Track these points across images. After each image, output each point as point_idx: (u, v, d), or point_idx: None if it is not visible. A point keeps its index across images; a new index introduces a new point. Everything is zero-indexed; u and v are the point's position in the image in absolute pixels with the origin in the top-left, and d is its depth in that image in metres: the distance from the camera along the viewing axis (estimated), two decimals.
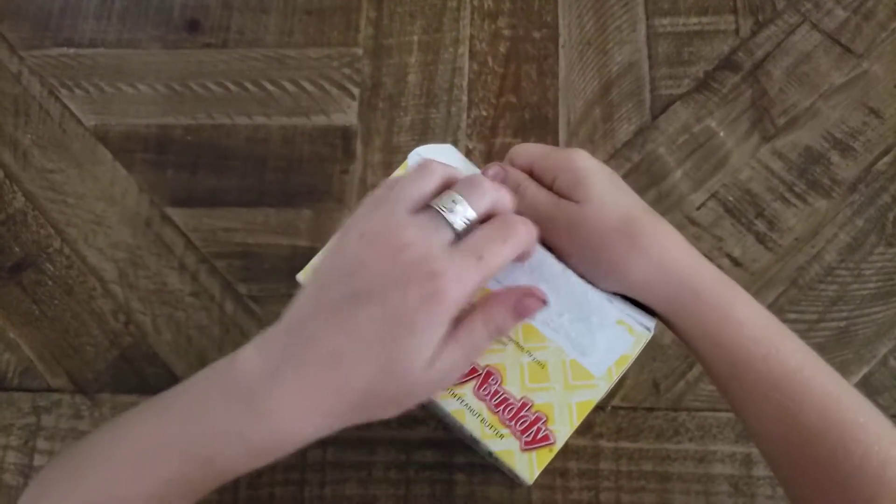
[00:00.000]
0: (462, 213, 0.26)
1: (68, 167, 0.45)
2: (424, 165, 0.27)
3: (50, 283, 0.43)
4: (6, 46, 0.47)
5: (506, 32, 0.46)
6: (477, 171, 0.31)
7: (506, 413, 0.29)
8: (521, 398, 0.29)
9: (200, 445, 0.25)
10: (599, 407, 0.30)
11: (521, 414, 0.29)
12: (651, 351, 0.39)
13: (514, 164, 0.32)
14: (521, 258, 0.29)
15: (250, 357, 0.25)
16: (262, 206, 0.43)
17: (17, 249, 0.43)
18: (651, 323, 0.29)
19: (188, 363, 0.41)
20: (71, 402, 0.40)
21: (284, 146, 0.44)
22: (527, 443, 0.29)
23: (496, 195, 0.27)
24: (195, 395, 0.26)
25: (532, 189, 0.30)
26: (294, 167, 0.44)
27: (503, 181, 0.31)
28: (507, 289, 0.28)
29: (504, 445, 0.29)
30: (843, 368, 0.39)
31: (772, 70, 0.44)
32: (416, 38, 0.46)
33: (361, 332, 0.24)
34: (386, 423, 0.39)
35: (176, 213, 0.43)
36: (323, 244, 0.42)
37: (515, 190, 0.30)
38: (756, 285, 0.40)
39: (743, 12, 0.45)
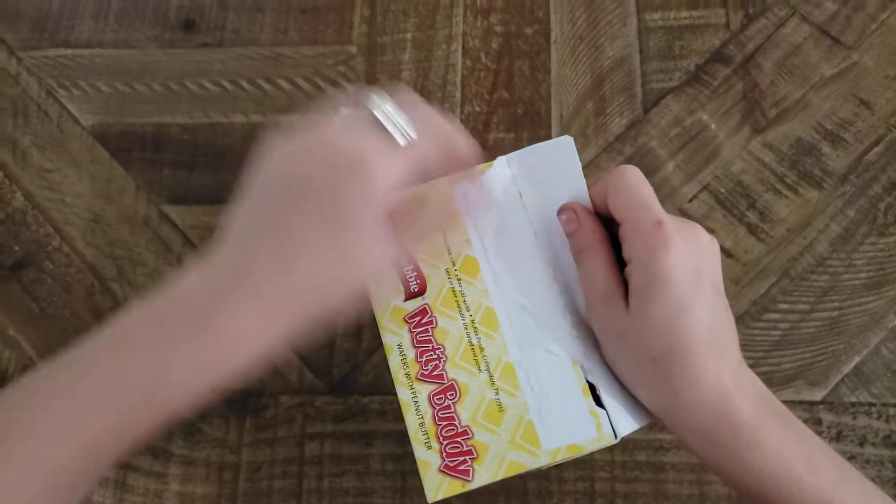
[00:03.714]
0: (401, 124, 0.25)
1: (66, 166, 0.45)
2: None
3: (49, 281, 0.43)
4: (4, 48, 0.48)
5: (498, 29, 0.46)
6: (581, 175, 0.30)
7: (444, 430, 0.29)
8: (466, 426, 0.29)
9: (140, 384, 0.23)
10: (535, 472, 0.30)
11: (457, 440, 0.29)
12: None
13: (607, 199, 0.28)
14: (469, 176, 0.29)
15: (193, 282, 0.24)
16: None
17: (16, 248, 0.44)
18: (625, 430, 0.28)
19: None
20: None
21: None
22: (447, 466, 0.28)
23: (445, 131, 0.27)
24: (129, 333, 0.24)
25: (595, 261, 0.28)
26: None
27: (573, 232, 0.29)
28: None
29: (426, 456, 0.29)
30: (835, 358, 0.39)
31: (762, 63, 0.44)
32: (409, 35, 0.46)
33: (304, 234, 0.24)
34: (383, 417, 0.39)
35: (173, 211, 0.44)
36: None
37: (578, 250, 0.28)
38: (748, 276, 0.41)
39: (733, 6, 0.45)
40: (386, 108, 0.26)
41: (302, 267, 0.24)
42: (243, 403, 0.40)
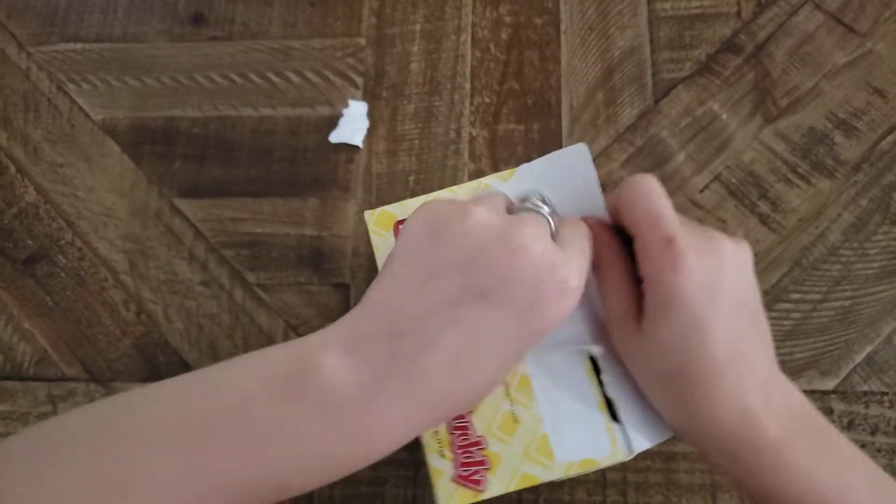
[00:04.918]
0: (550, 212, 0.26)
1: (78, 161, 0.45)
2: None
3: (62, 274, 0.43)
4: (14, 43, 0.48)
5: (507, 19, 0.46)
6: (596, 180, 0.30)
7: (459, 439, 0.29)
8: (480, 436, 0.29)
9: (266, 469, 0.21)
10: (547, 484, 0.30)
11: (471, 449, 0.29)
12: None
13: (619, 213, 0.27)
14: None
15: (340, 364, 0.21)
16: (269, 195, 0.44)
17: (29, 242, 0.44)
18: (640, 447, 0.28)
19: (199, 351, 0.41)
20: (86, 390, 0.41)
21: (290, 137, 0.45)
22: (460, 476, 0.28)
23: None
24: (257, 410, 0.21)
25: (609, 277, 0.27)
26: (299, 157, 0.44)
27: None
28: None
29: (439, 464, 0.28)
30: (848, 348, 0.39)
31: (774, 52, 0.44)
32: (418, 26, 0.46)
33: (488, 334, 0.22)
34: None
35: (184, 205, 0.44)
36: (329, 232, 0.43)
37: (594, 265, 0.27)
38: (760, 266, 0.40)
39: None
40: (549, 210, 0.26)
41: (477, 364, 0.22)
42: None
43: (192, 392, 0.22)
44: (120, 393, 0.23)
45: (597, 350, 0.29)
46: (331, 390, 0.21)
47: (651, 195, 0.26)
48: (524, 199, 0.28)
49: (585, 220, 0.28)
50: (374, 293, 0.23)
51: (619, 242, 0.28)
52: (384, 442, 0.22)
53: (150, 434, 0.21)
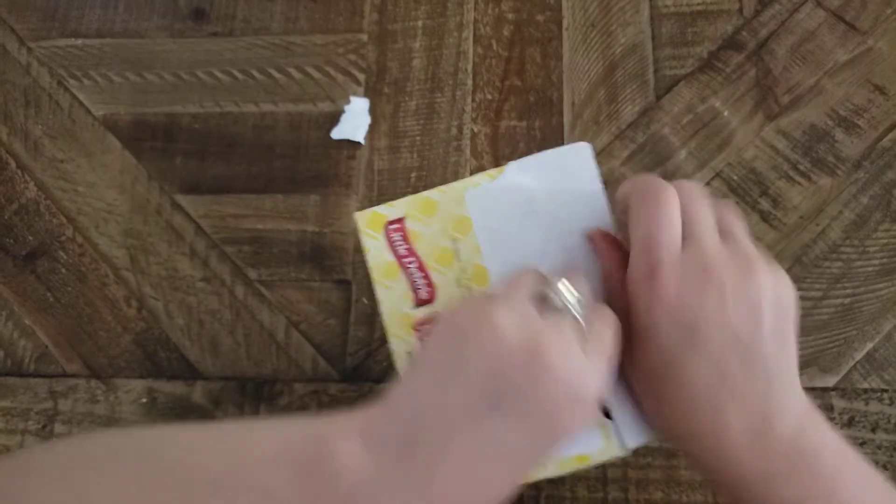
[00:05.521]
0: (580, 307, 0.24)
1: (78, 156, 0.45)
2: (523, 273, 0.26)
3: (63, 270, 0.43)
4: (15, 38, 0.48)
5: (509, 16, 0.46)
6: (599, 179, 0.30)
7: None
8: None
9: None
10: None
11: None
12: None
13: (623, 218, 0.27)
14: None
15: (358, 454, 0.21)
16: (271, 192, 0.44)
17: (30, 238, 0.44)
18: (633, 443, 0.28)
19: (200, 347, 0.41)
20: (87, 386, 0.41)
21: (291, 133, 0.45)
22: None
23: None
24: (274, 488, 0.21)
25: (610, 290, 0.27)
26: (301, 153, 0.44)
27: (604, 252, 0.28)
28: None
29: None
30: (848, 345, 0.39)
31: (776, 49, 0.44)
32: (420, 22, 0.46)
33: (502, 443, 0.22)
34: None
35: (185, 201, 0.44)
36: (331, 229, 0.43)
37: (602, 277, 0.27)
38: None
39: None
40: (578, 305, 0.24)
41: (491, 472, 0.22)
42: (257, 391, 0.40)
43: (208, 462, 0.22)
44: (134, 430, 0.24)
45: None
46: (346, 478, 0.21)
47: (645, 211, 0.25)
48: (548, 283, 0.25)
49: (590, 234, 0.28)
50: (397, 392, 0.23)
51: (621, 254, 0.27)
52: None
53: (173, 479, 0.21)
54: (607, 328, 0.25)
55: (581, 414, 0.23)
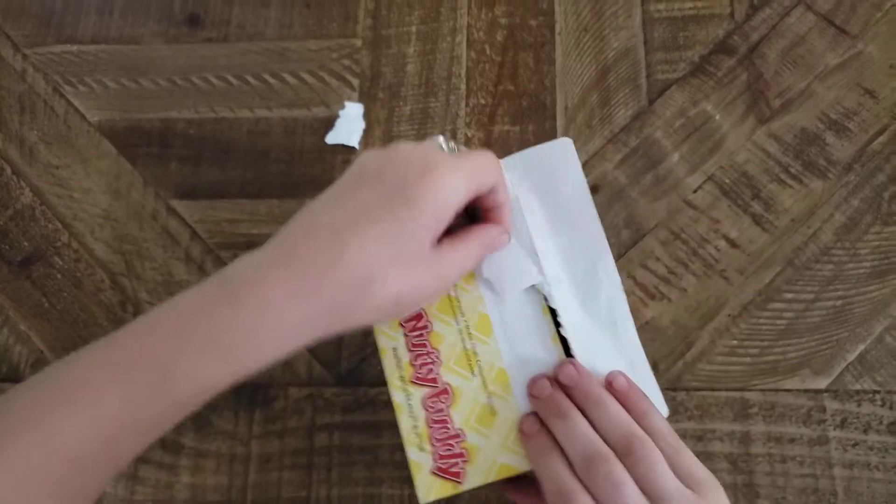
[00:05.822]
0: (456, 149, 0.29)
1: (74, 162, 0.45)
2: None
3: (59, 276, 0.43)
4: (10, 45, 0.48)
5: (503, 21, 0.46)
6: (583, 177, 0.32)
7: (437, 432, 0.30)
8: (459, 429, 0.29)
9: (157, 360, 0.24)
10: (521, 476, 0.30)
11: (450, 442, 0.29)
12: (650, 332, 0.40)
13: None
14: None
15: (244, 256, 0.26)
16: (266, 196, 0.44)
17: (25, 244, 0.44)
18: None
19: None
20: None
21: (286, 138, 0.45)
22: (439, 468, 0.29)
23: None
24: (167, 312, 0.25)
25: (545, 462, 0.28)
26: (296, 158, 0.45)
27: (575, 384, 0.29)
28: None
29: (419, 457, 0.29)
30: (840, 347, 0.39)
31: (767, 53, 0.44)
32: (414, 28, 0.46)
33: (360, 206, 0.26)
34: (391, 408, 0.40)
35: (181, 206, 0.44)
36: None
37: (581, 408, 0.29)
38: (753, 266, 0.41)
39: None
40: (451, 144, 0.29)
41: (353, 240, 0.25)
42: (253, 396, 0.41)
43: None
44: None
45: (548, 289, 0.30)
46: (227, 272, 0.25)
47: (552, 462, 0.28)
48: (433, 138, 0.31)
49: (533, 379, 0.30)
50: (300, 210, 0.27)
51: (567, 403, 0.29)
52: (265, 323, 0.24)
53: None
54: (476, 153, 0.29)
55: (431, 180, 0.26)
